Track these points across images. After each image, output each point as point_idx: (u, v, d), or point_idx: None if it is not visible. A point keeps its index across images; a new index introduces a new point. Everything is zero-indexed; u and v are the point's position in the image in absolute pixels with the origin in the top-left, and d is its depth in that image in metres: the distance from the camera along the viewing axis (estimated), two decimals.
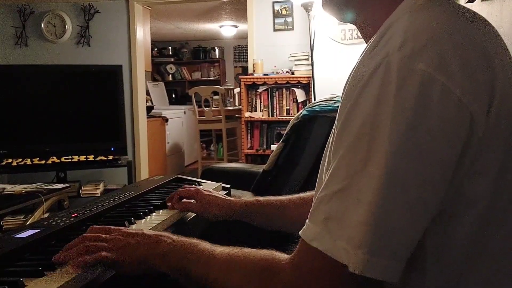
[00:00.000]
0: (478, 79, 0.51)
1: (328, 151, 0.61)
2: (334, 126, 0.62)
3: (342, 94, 0.59)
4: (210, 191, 1.10)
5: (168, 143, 5.48)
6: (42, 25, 4.07)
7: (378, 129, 0.50)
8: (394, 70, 0.50)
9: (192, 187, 1.12)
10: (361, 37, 0.69)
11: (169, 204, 1.10)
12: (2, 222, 1.62)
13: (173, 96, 7.86)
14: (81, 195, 2.92)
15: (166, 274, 0.72)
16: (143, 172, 4.20)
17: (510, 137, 0.53)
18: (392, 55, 0.51)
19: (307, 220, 0.56)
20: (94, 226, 0.81)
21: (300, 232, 0.56)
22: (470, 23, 0.56)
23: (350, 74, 0.58)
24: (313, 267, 0.54)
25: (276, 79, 3.86)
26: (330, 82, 3.64)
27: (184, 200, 1.10)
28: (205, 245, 0.70)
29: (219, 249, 0.68)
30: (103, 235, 0.76)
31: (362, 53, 0.59)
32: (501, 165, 0.53)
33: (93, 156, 3.06)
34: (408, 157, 0.49)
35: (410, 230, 0.51)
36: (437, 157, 0.50)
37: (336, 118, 0.58)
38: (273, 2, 3.98)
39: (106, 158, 3.08)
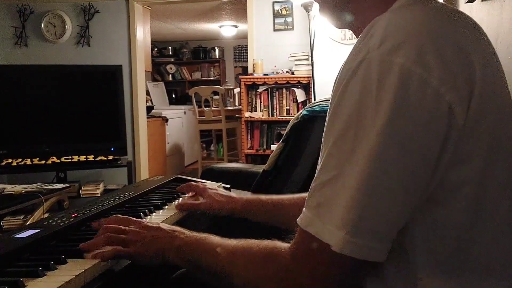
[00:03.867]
0: (455, 71, 0.53)
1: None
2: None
3: (332, 93, 0.62)
4: (215, 189, 1.15)
5: (168, 143, 5.48)
6: (42, 25, 4.07)
7: (362, 121, 0.53)
8: (375, 65, 0.53)
9: (201, 185, 1.18)
10: None
11: (175, 203, 1.14)
12: (2, 222, 1.62)
13: (173, 96, 7.86)
14: (81, 195, 2.92)
15: (179, 266, 0.79)
16: (143, 172, 4.20)
17: (494, 129, 0.56)
18: (373, 51, 0.54)
19: (304, 208, 0.59)
20: (118, 215, 0.89)
21: (297, 220, 0.59)
22: (448, 21, 0.59)
23: (338, 73, 0.61)
24: (307, 250, 0.57)
25: (276, 79, 3.86)
26: (330, 82, 3.59)
27: (188, 198, 1.16)
28: (215, 238, 0.75)
29: (228, 241, 0.72)
30: (123, 227, 0.82)
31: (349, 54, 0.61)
32: (487, 156, 0.55)
33: (93, 156, 3.06)
34: (390, 145, 0.52)
35: (391, 213, 0.54)
36: (417, 144, 0.52)
37: (327, 115, 0.61)
38: (273, 2, 3.98)
39: (106, 158, 3.08)
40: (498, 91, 0.58)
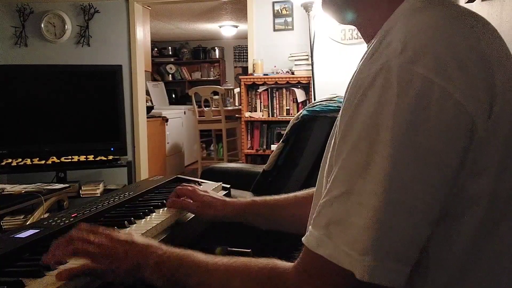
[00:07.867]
0: (478, 82, 0.51)
1: (329, 154, 0.60)
2: (333, 130, 0.61)
3: (344, 99, 0.59)
4: (207, 191, 1.09)
5: (168, 143, 5.47)
6: (42, 25, 4.06)
7: (378, 133, 0.50)
8: (394, 75, 0.51)
9: (190, 186, 1.11)
10: (361, 37, 0.69)
11: (167, 202, 1.09)
12: (2, 222, 1.62)
13: (173, 96, 7.86)
14: (81, 195, 2.92)
15: (157, 285, 0.69)
16: (143, 172, 4.20)
17: (508, 136, 0.54)
18: (392, 60, 0.51)
19: (310, 226, 0.55)
20: (83, 223, 0.77)
21: (303, 239, 0.55)
22: (466, 26, 0.56)
23: (351, 80, 0.58)
24: (317, 274, 0.53)
25: (276, 79, 3.86)
26: (330, 82, 3.63)
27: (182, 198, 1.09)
28: (201, 255, 0.68)
29: (217, 259, 0.67)
30: (91, 238, 0.72)
31: (362, 58, 0.59)
32: (500, 164, 0.53)
33: (93, 156, 3.05)
34: (409, 161, 0.49)
35: (414, 233, 0.51)
36: (438, 160, 0.50)
37: (338, 123, 0.58)
38: (273, 2, 3.98)
39: (106, 158, 3.07)
40: None
